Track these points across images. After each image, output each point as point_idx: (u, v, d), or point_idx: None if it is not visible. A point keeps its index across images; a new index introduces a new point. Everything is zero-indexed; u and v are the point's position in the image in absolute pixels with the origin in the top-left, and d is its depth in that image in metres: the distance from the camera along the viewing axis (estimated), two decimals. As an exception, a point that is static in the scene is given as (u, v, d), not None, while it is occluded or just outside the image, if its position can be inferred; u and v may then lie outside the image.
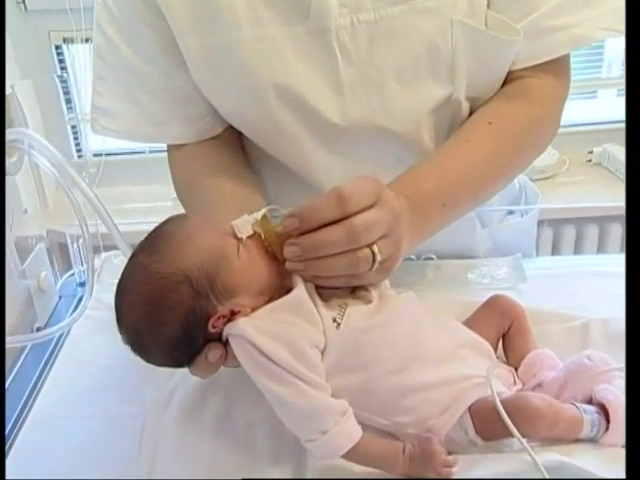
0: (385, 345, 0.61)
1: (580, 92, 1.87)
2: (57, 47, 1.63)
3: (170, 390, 0.73)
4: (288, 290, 0.61)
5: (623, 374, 0.64)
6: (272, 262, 0.60)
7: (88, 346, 0.82)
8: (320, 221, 0.58)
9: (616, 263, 0.93)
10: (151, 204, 1.69)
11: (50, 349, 0.82)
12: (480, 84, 0.79)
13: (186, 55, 0.77)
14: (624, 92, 1.83)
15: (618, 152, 1.73)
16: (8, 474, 0.64)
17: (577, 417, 0.59)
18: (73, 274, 0.92)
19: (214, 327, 0.59)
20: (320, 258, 0.58)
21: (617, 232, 1.67)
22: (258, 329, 0.57)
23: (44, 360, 0.81)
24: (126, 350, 0.61)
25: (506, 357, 0.71)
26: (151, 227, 0.62)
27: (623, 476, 0.52)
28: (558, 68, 0.80)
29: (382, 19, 0.74)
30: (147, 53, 0.80)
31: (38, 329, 0.85)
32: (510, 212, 1.02)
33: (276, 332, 0.58)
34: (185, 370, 0.63)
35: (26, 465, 0.68)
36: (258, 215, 0.60)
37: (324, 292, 0.62)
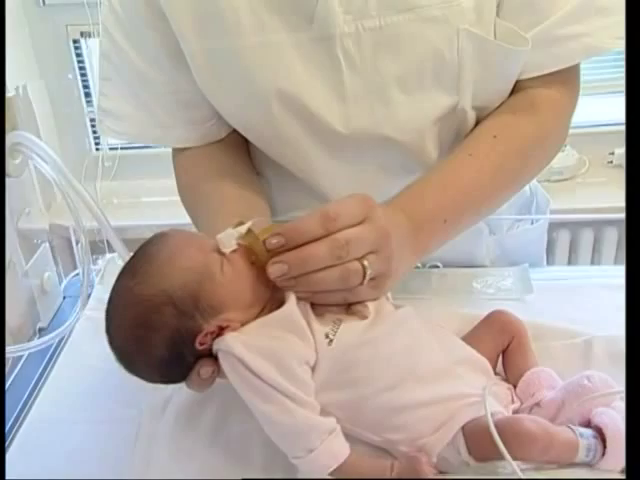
0: (378, 362, 0.60)
1: (604, 91, 1.83)
2: (75, 41, 1.63)
3: (167, 396, 0.72)
4: (281, 302, 0.60)
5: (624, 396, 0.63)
6: (260, 275, 0.60)
7: (89, 348, 0.82)
8: (304, 239, 0.58)
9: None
10: (166, 198, 1.71)
11: (51, 351, 0.82)
12: (487, 94, 0.78)
13: (189, 60, 0.77)
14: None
15: (640, 154, 1.69)
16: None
17: (572, 441, 0.58)
18: (78, 274, 0.93)
19: (202, 344, 0.58)
20: (309, 274, 0.58)
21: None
22: (246, 345, 0.57)
23: (45, 361, 0.81)
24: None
25: (505, 374, 0.69)
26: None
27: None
28: (567, 78, 0.78)
29: (387, 26, 0.72)
30: (152, 56, 0.80)
31: (41, 330, 0.85)
32: (519, 219, 1.00)
33: (264, 348, 0.57)
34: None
35: (22, 467, 0.68)
36: (243, 229, 0.60)
37: (318, 307, 0.61)
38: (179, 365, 0.60)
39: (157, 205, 1.68)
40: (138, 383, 0.72)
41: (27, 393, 0.78)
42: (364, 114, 0.76)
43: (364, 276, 0.59)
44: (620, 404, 0.62)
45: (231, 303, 0.59)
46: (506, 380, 0.69)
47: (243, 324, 0.59)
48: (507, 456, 0.55)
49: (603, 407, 0.61)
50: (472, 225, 0.79)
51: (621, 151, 1.73)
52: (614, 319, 0.78)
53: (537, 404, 0.64)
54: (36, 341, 0.76)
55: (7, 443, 0.71)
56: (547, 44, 0.74)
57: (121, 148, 1.75)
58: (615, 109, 1.82)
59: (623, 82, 1.80)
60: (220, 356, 0.58)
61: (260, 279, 0.60)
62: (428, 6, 0.72)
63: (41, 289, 0.84)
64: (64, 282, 0.89)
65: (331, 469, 0.57)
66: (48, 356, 0.82)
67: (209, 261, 0.59)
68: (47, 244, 0.87)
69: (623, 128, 1.78)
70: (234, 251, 0.60)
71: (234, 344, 0.57)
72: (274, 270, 0.58)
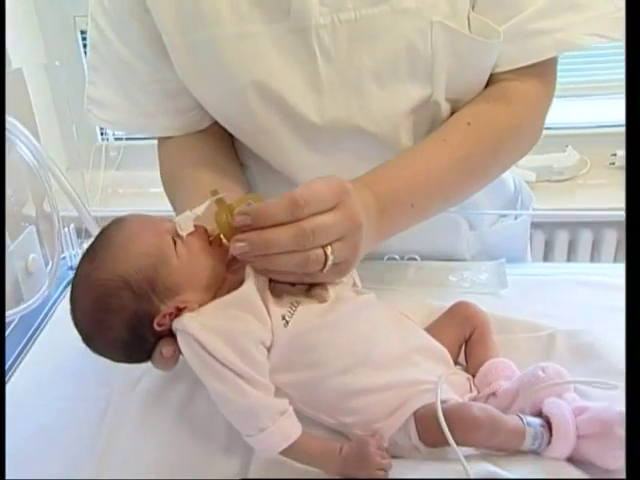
0: (333, 346, 0.61)
1: (607, 92, 1.82)
2: (82, 32, 1.66)
3: (138, 375, 0.75)
4: (240, 283, 0.62)
5: (577, 387, 0.64)
6: (217, 257, 0.62)
7: (68, 330, 0.84)
8: (270, 223, 0.58)
9: (606, 273, 0.92)
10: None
11: (31, 331, 0.85)
12: (460, 86, 0.79)
13: (170, 51, 0.79)
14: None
15: (642, 156, 1.68)
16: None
17: (519, 428, 0.59)
18: (64, 258, 0.95)
19: (160, 325, 0.60)
20: (269, 255, 0.59)
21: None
22: (202, 324, 0.59)
23: (24, 341, 0.84)
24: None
25: (466, 364, 0.70)
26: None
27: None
28: (543, 72, 0.79)
29: (362, 19, 0.74)
30: (137, 47, 0.82)
31: (24, 310, 0.88)
32: (502, 215, 1.01)
33: (220, 328, 0.59)
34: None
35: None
36: (199, 211, 0.61)
37: (277, 288, 0.62)
38: (141, 345, 0.62)
39: (162, 195, 1.70)
40: (111, 363, 0.75)
41: (4, 372, 0.80)
42: (339, 105, 0.77)
43: (325, 263, 0.59)
44: (572, 395, 0.63)
45: (187, 285, 0.60)
46: (466, 370, 0.70)
47: (201, 305, 0.61)
48: (450, 439, 0.56)
49: (555, 397, 0.62)
50: (440, 211, 0.79)
51: (623, 152, 1.72)
52: (582, 314, 0.79)
53: (493, 394, 0.65)
54: (11, 311, 0.78)
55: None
56: (520, 38, 0.75)
57: (126, 139, 1.77)
58: (617, 111, 1.81)
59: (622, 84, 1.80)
60: (178, 336, 0.60)
61: (217, 261, 0.62)
62: None
63: (25, 271, 0.86)
64: (50, 265, 0.92)
65: (281, 448, 0.59)
66: (29, 335, 0.85)
67: (164, 244, 0.60)
68: (34, 227, 0.89)
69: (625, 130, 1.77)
70: (191, 233, 0.61)
71: (190, 324, 0.59)
72: (235, 247, 0.58)
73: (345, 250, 0.61)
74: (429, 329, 0.71)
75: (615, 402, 0.59)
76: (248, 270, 0.62)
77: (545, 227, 1.66)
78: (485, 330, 0.70)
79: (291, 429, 0.59)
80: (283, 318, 0.61)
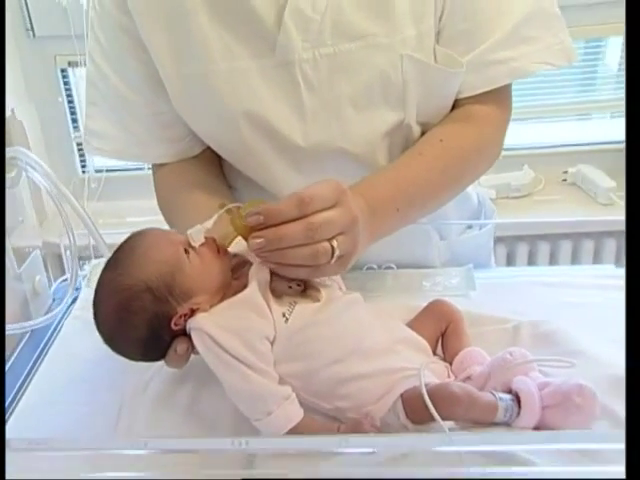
0: (327, 339, 0.70)
1: (558, 115, 1.95)
2: (62, 70, 1.73)
3: (147, 379, 0.81)
4: (244, 287, 0.70)
5: (539, 366, 0.73)
6: (225, 264, 0.70)
7: (77, 342, 0.91)
8: (281, 220, 0.66)
9: (563, 274, 1.03)
10: (150, 217, 1.80)
11: (42, 344, 0.91)
12: (429, 110, 0.88)
13: (166, 84, 0.87)
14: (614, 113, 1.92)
15: (591, 172, 1.81)
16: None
17: (492, 403, 0.67)
18: (66, 279, 1.02)
19: (176, 325, 0.68)
20: (283, 249, 0.66)
21: (589, 247, 1.76)
22: (214, 322, 0.67)
23: (36, 354, 0.90)
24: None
25: (443, 354, 0.79)
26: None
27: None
28: (500, 97, 0.89)
29: (340, 53, 0.83)
30: (133, 82, 0.89)
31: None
32: (469, 226, 1.11)
33: (230, 325, 0.67)
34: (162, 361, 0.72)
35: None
36: (209, 224, 0.70)
37: (276, 290, 0.71)
38: (157, 344, 0.70)
39: (141, 224, 1.76)
40: (121, 371, 0.82)
41: (20, 382, 0.86)
42: (321, 129, 0.86)
43: (332, 255, 0.68)
44: (536, 374, 0.72)
45: (200, 289, 0.69)
46: (444, 359, 0.79)
47: (211, 306, 0.69)
48: (434, 411, 0.64)
49: (522, 376, 0.71)
50: (420, 217, 0.89)
51: (574, 170, 1.85)
52: (542, 309, 0.89)
53: (468, 377, 0.74)
54: (25, 323, 0.84)
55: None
56: (480, 67, 0.85)
57: (106, 170, 1.84)
58: (568, 132, 1.96)
59: (576, 107, 1.94)
60: (192, 334, 0.68)
61: (225, 268, 0.70)
62: (375, 35, 0.82)
63: (33, 291, 0.93)
64: (53, 286, 0.99)
65: (286, 429, 0.66)
66: (39, 349, 0.91)
67: (179, 254, 0.69)
68: (38, 251, 0.96)
69: (575, 149, 1.91)
70: (202, 244, 0.70)
71: (204, 322, 0.67)
72: (253, 244, 0.66)
73: (347, 243, 0.69)
74: (409, 325, 0.80)
75: (575, 377, 0.69)
76: (251, 274, 0.70)
77: (507, 240, 1.77)
78: (459, 324, 0.79)
79: (294, 412, 0.67)
80: (283, 315, 0.69)
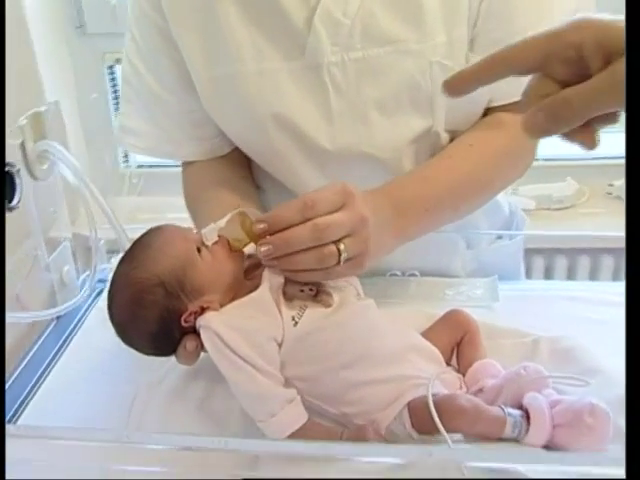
0: (335, 343, 0.69)
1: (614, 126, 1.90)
2: (110, 67, 1.77)
3: (164, 373, 0.83)
4: (256, 288, 0.70)
5: (554, 383, 0.71)
6: (237, 263, 0.70)
7: (99, 334, 0.92)
8: (286, 224, 0.67)
9: (594, 289, 1.01)
10: (186, 214, 1.84)
11: (66, 334, 0.94)
12: (458, 118, 0.87)
13: (197, 85, 0.88)
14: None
15: (638, 186, 1.75)
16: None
17: (500, 418, 0.66)
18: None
19: (186, 322, 0.69)
20: (290, 255, 0.67)
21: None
22: (223, 322, 0.67)
23: (60, 343, 0.92)
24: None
25: (457, 364, 0.78)
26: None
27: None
28: None
29: (369, 57, 0.83)
30: (166, 81, 0.91)
31: (58, 317, 0.96)
32: (499, 236, 1.09)
33: (238, 325, 0.67)
34: (177, 358, 0.73)
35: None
36: (222, 223, 0.70)
37: (288, 293, 0.71)
38: (168, 339, 0.71)
39: (179, 220, 1.79)
40: (138, 363, 0.83)
41: (42, 369, 0.88)
42: (348, 133, 0.86)
43: (339, 258, 0.68)
44: (549, 391, 0.70)
45: (211, 287, 0.69)
46: (457, 370, 0.78)
47: (222, 305, 0.70)
48: (438, 424, 0.64)
49: (534, 392, 0.69)
50: (450, 221, 0.89)
51: (620, 183, 1.80)
52: (565, 325, 0.87)
53: (480, 390, 0.73)
54: (45, 311, 0.86)
55: (19, 412, 0.82)
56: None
57: (148, 166, 1.88)
58: (614, 143, 1.90)
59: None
60: (201, 331, 0.68)
61: (236, 267, 0.71)
62: (405, 41, 0.82)
63: (60, 281, 0.95)
64: (81, 277, 1.01)
65: (289, 432, 0.66)
66: (63, 339, 0.93)
67: (192, 251, 0.70)
68: (68, 243, 0.98)
69: (622, 161, 1.85)
70: (215, 243, 0.70)
71: (213, 320, 0.67)
72: (261, 251, 0.67)
73: (355, 244, 0.69)
74: (425, 333, 0.79)
75: (588, 396, 0.67)
76: (264, 276, 0.71)
77: (545, 253, 1.73)
78: (474, 335, 0.78)
79: (298, 416, 0.67)
80: (293, 319, 0.69)
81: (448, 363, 0.78)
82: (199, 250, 0.70)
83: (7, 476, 0.52)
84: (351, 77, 0.83)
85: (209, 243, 0.70)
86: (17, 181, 0.84)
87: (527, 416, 0.67)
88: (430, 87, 0.83)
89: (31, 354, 0.91)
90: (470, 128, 0.89)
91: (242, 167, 0.99)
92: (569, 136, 0.51)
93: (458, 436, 0.67)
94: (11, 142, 0.84)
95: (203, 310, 0.69)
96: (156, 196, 1.88)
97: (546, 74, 0.52)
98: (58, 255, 0.95)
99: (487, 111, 0.90)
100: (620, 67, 0.46)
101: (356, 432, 0.67)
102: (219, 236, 0.71)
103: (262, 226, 0.67)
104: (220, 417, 0.77)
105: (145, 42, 0.91)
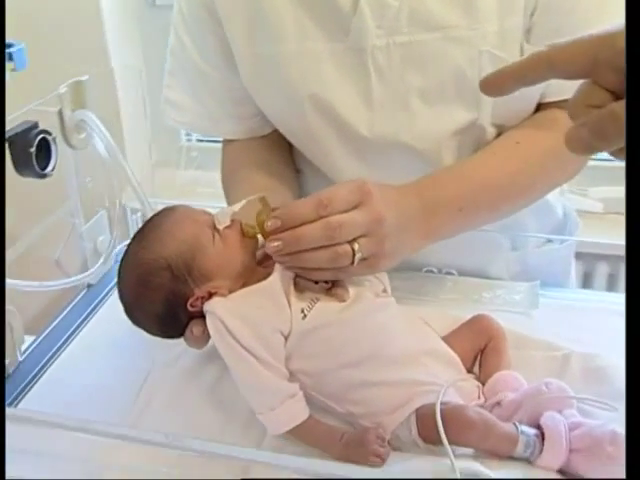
0: (343, 340, 0.66)
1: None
2: (177, 39, 1.78)
3: (177, 354, 0.82)
4: (268, 275, 0.68)
5: (578, 404, 0.66)
6: (248, 249, 0.68)
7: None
8: (299, 221, 0.64)
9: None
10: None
11: (94, 304, 0.94)
12: (506, 112, 0.82)
13: (238, 62, 0.86)
14: None
15: None
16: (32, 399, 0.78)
17: (512, 435, 0.62)
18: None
19: (193, 306, 0.67)
20: (302, 252, 0.65)
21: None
22: (228, 309, 0.65)
23: (87, 312, 0.93)
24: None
25: (479, 373, 0.74)
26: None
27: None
28: None
29: (415, 43, 0.79)
30: (209, 55, 0.90)
31: (89, 285, 0.97)
32: (549, 239, 1.03)
33: (243, 313, 0.65)
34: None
35: (44, 395, 0.80)
36: (236, 207, 0.68)
37: (300, 284, 0.68)
38: (174, 322, 0.69)
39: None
40: (156, 340, 0.82)
41: (66, 336, 0.89)
42: (387, 120, 0.82)
43: (353, 258, 0.65)
44: (572, 412, 0.65)
45: (220, 272, 0.67)
46: (478, 379, 0.73)
47: (231, 291, 0.67)
48: (442, 434, 0.60)
49: (554, 412, 0.64)
50: (488, 222, 0.84)
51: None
52: (603, 340, 0.80)
53: (498, 403, 0.68)
54: (63, 280, 0.87)
55: (39, 375, 0.83)
56: None
57: (208, 141, 1.88)
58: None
59: None
60: (207, 317, 0.67)
61: (248, 253, 0.69)
62: (455, 27, 0.78)
63: (94, 251, 0.96)
64: (117, 248, 1.01)
65: (287, 428, 0.64)
66: (90, 308, 0.94)
67: (203, 235, 0.68)
68: (104, 212, 0.98)
69: None
70: (228, 227, 0.68)
71: (218, 307, 0.65)
72: (270, 247, 0.65)
73: (370, 245, 0.66)
74: (448, 337, 0.75)
75: (613, 423, 0.61)
76: (277, 265, 0.68)
77: (610, 259, 1.64)
78: (499, 343, 0.73)
79: (298, 412, 0.64)
80: (302, 311, 0.66)
81: (469, 371, 0.74)
82: (215, 234, 0.68)
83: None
84: (395, 62, 0.80)
85: (221, 227, 0.68)
86: (52, 148, 0.84)
87: (542, 436, 0.62)
88: (477, 77, 0.78)
89: (60, 318, 0.92)
90: (519, 124, 0.83)
91: (282, 149, 0.97)
92: (620, 154, 0.44)
93: (468, 450, 0.63)
94: (51, 109, 0.85)
95: (211, 295, 0.67)
96: (215, 171, 1.89)
97: (596, 81, 0.46)
98: (93, 224, 0.96)
99: (540, 106, 0.84)
100: None
101: (357, 435, 0.64)
102: (232, 220, 0.69)
103: (273, 222, 0.65)
104: (228, 404, 0.75)
105: (191, 16, 0.89)
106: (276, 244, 0.65)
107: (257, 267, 0.69)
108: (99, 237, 0.98)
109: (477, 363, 0.75)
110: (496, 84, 0.50)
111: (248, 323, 0.64)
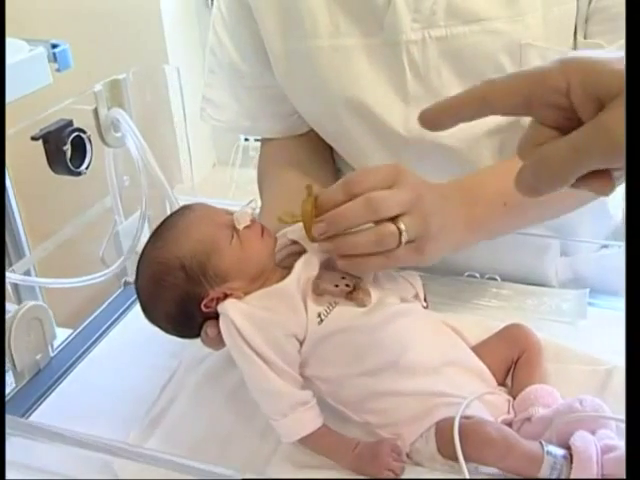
0: (360, 347, 0.63)
1: None
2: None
3: (204, 354, 0.80)
4: (285, 278, 0.66)
5: (612, 424, 0.61)
6: (267, 251, 0.66)
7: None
8: (331, 206, 0.62)
9: None
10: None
11: (128, 303, 0.95)
12: None
13: (272, 59, 0.85)
14: None
15: None
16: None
17: (537, 455, 0.57)
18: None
19: (207, 307, 0.65)
20: (346, 235, 0.62)
21: None
22: (241, 311, 0.63)
23: (124, 307, 0.94)
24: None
25: (511, 386, 0.69)
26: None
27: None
28: None
29: (453, 36, 0.75)
30: (245, 52, 0.89)
31: (126, 283, 0.98)
32: (604, 245, 0.96)
33: (257, 316, 0.63)
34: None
35: (72, 390, 0.81)
36: (256, 206, 0.66)
37: (319, 287, 0.65)
38: (188, 323, 0.68)
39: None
40: (184, 341, 0.82)
41: (102, 330, 0.91)
42: None
43: (400, 238, 0.62)
44: (607, 432, 0.60)
45: (236, 274, 0.65)
46: (509, 392, 0.69)
47: (247, 293, 0.65)
48: (458, 451, 0.56)
49: (586, 432, 0.59)
50: (537, 220, 0.80)
51: None
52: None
53: (528, 419, 0.64)
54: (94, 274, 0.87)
55: (72, 368, 0.84)
56: None
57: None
58: None
59: None
60: (220, 319, 0.65)
61: (266, 254, 0.66)
62: (494, 19, 0.74)
63: (131, 250, 0.96)
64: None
65: (299, 436, 0.62)
66: (126, 305, 0.95)
67: (220, 235, 0.65)
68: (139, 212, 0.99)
69: None
70: (247, 227, 0.66)
71: (231, 309, 0.63)
72: (315, 230, 0.63)
73: (415, 224, 0.63)
74: (477, 347, 0.71)
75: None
76: (295, 267, 0.66)
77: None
78: (534, 355, 0.69)
79: (310, 420, 0.62)
80: (319, 316, 0.64)
81: (501, 383, 0.70)
82: (234, 234, 0.66)
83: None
84: (431, 57, 0.77)
85: (240, 227, 0.66)
86: (88, 147, 0.84)
87: (572, 458, 0.58)
88: None
89: (95, 314, 0.94)
90: None
91: (320, 149, 0.94)
92: (579, 184, 0.43)
93: (493, 470, 0.59)
94: (87, 107, 0.85)
95: (226, 296, 0.65)
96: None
97: (537, 119, 0.44)
98: (130, 223, 0.96)
99: None
100: (607, 118, 0.38)
101: (371, 447, 0.61)
102: (252, 220, 0.67)
103: (320, 225, 0.63)
104: (248, 409, 0.73)
105: (229, 13, 0.89)
106: (320, 225, 0.62)
107: (277, 268, 0.67)
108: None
109: (510, 375, 0.70)
110: (433, 120, 0.47)
111: (260, 327, 0.62)
